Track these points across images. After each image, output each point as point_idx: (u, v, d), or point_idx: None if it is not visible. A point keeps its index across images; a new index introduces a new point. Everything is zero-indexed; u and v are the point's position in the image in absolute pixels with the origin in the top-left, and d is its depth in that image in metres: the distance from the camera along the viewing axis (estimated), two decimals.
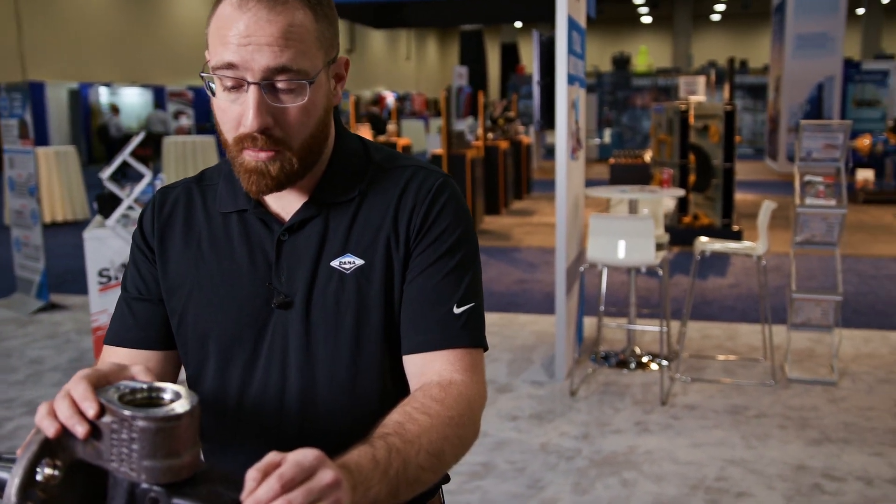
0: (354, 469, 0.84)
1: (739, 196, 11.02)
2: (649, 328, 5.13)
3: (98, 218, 4.73)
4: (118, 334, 1.20)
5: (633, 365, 4.90)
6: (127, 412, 0.76)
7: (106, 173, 4.09)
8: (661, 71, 22.53)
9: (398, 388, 1.16)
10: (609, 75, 22.08)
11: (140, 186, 4.31)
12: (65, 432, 0.78)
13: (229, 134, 1.08)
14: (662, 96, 20.47)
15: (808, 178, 4.51)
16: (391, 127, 12.87)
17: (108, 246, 4.37)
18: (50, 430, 0.79)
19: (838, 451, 3.72)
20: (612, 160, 10.30)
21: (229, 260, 1.16)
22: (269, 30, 1.01)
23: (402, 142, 12.16)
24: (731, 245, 4.80)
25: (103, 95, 22.94)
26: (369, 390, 1.14)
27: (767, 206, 4.66)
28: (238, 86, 1.04)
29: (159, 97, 24.41)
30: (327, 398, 1.13)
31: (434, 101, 34.57)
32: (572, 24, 4.41)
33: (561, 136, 4.37)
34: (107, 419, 0.77)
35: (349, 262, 1.13)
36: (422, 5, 10.84)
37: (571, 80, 4.46)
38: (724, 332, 5.62)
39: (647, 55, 22.21)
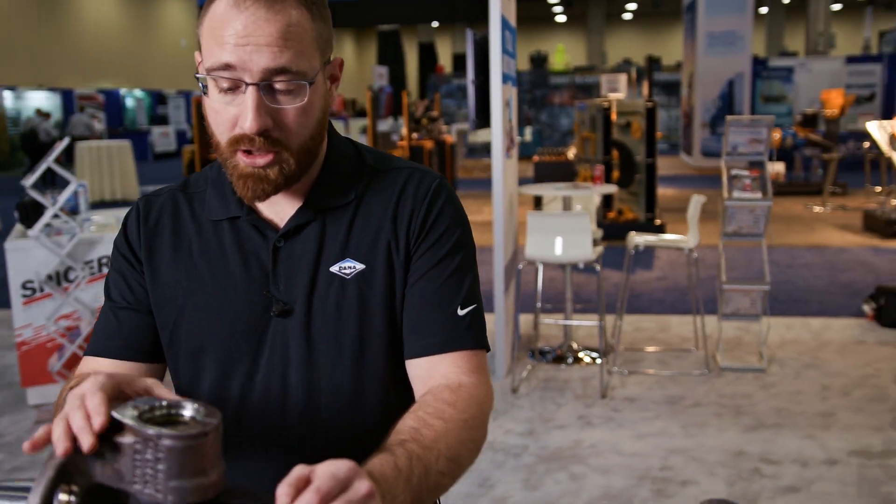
0: (380, 478, 0.82)
1: (660, 191, 11.29)
2: (586, 323, 5.21)
3: (19, 227, 4.53)
4: (101, 344, 1.14)
5: (570, 360, 4.97)
6: (151, 431, 0.72)
7: (29, 181, 3.92)
8: (579, 69, 22.90)
9: (400, 393, 1.15)
10: (527, 74, 22.34)
11: (65, 194, 4.14)
12: (82, 454, 0.75)
13: (223, 136, 1.04)
14: (580, 94, 20.81)
15: (734, 171, 4.65)
16: None
17: (32, 257, 4.20)
18: (61, 446, 0.75)
19: (773, 436, 3.85)
20: (536, 158, 10.41)
21: (223, 269, 1.12)
22: (268, 29, 0.99)
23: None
24: (663, 238, 4.92)
25: (7, 99, 22.05)
26: (373, 397, 1.13)
27: (697, 200, 4.78)
28: (235, 87, 1.01)
29: (68, 100, 23.58)
30: (330, 406, 1.11)
31: (352, 102, 34.35)
32: (505, 24, 4.44)
33: (497, 135, 4.40)
34: (129, 439, 0.74)
35: (349, 267, 1.11)
36: (339, 5, 10.77)
37: (505, 79, 4.49)
38: (656, 325, 5.75)
39: (564, 53, 22.55)
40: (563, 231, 4.39)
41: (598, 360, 4.91)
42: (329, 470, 0.74)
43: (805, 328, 5.58)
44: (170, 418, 0.77)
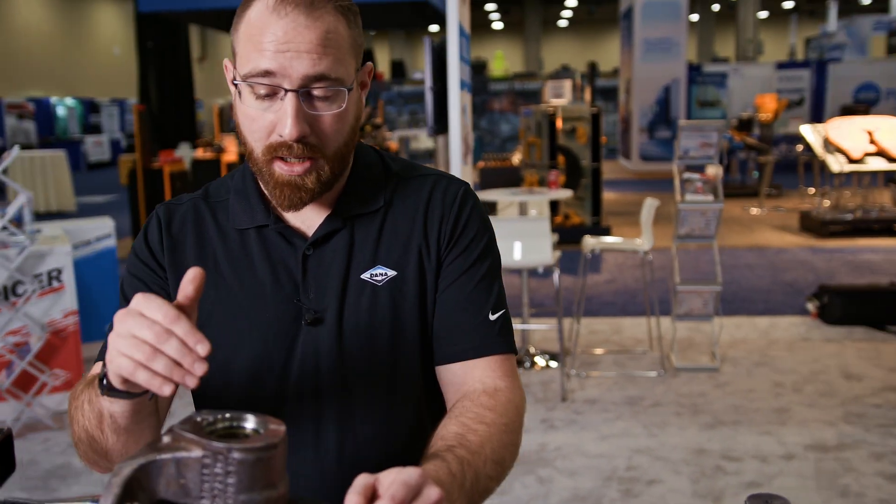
0: (439, 485, 0.83)
1: (603, 194, 11.46)
2: (543, 327, 5.25)
3: None
4: None
5: (528, 364, 5.01)
6: (221, 444, 0.71)
7: None
8: (518, 75, 23.11)
9: (431, 398, 1.15)
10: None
11: (14, 207, 4.02)
12: (146, 470, 0.73)
13: (258, 143, 1.03)
14: (520, 100, 21.00)
15: (686, 175, 4.75)
16: (207, 138, 12.57)
17: None
18: (166, 388, 0.76)
19: (732, 433, 3.94)
20: (481, 163, 10.47)
21: (251, 278, 1.11)
22: (308, 36, 0.99)
23: None
24: (619, 242, 4.99)
25: None
26: (408, 403, 1.13)
27: (650, 204, 4.87)
28: (272, 93, 1.00)
29: None
30: (364, 414, 1.10)
31: None
32: (461, 31, 4.46)
33: (455, 141, 4.42)
34: (196, 453, 0.72)
35: (381, 273, 1.11)
36: None
37: (462, 85, 4.51)
38: (609, 327, 5.83)
39: (503, 60, 22.75)
40: (522, 236, 4.42)
41: (556, 364, 4.95)
42: (400, 478, 0.74)
43: (753, 327, 5.72)
44: (231, 431, 0.76)
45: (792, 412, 4.17)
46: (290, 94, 0.99)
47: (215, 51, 32.72)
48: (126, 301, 1.14)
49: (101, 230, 5.05)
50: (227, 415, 0.77)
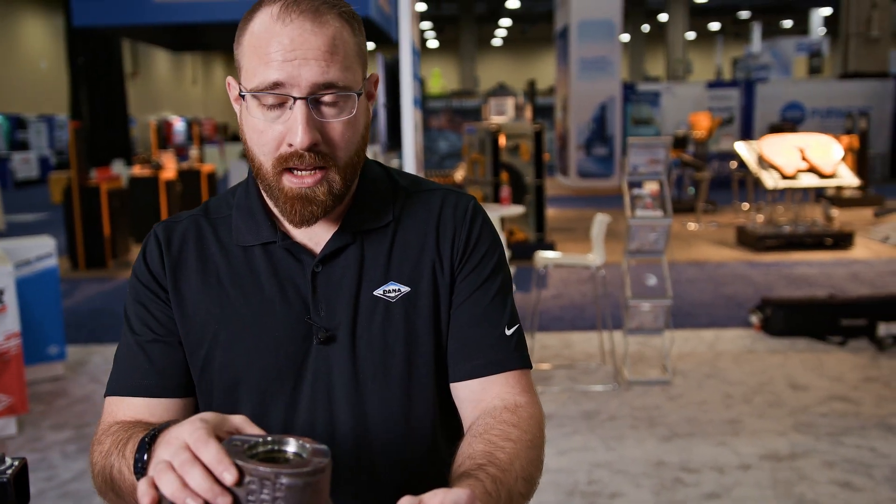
0: None
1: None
2: None
3: None
4: (130, 382, 1.07)
5: None
6: (268, 469, 0.69)
7: None
8: (455, 93, 23.27)
9: (446, 416, 1.13)
10: None
11: None
12: None
13: (267, 157, 1.01)
14: (457, 118, 21.12)
15: (635, 191, 4.83)
16: (193, 153, 12.38)
17: None
18: None
19: (688, 445, 3.99)
20: None
21: (258, 296, 1.07)
22: (315, 42, 0.97)
23: (206, 168, 11.74)
24: (571, 258, 5.04)
25: None
26: (423, 421, 1.10)
27: (602, 220, 4.93)
28: (281, 103, 0.98)
29: None
30: (380, 433, 1.08)
31: (223, 126, 33.65)
32: (412, 49, 4.47)
33: (409, 157, 4.41)
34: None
35: (394, 289, 1.08)
36: (214, 28, 10.56)
37: (414, 102, 4.51)
38: (559, 342, 5.87)
39: (440, 78, 22.87)
40: None
41: None
42: (452, 498, 0.73)
43: (699, 340, 5.83)
44: (273, 454, 0.74)
45: (744, 423, 4.25)
46: (299, 103, 0.98)
47: (147, 66, 32.15)
48: (130, 329, 1.10)
49: (41, 249, 4.88)
50: (268, 438, 0.74)
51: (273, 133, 0.99)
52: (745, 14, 34.71)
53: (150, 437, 0.86)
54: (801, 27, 32.62)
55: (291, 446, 0.74)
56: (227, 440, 0.74)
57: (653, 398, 4.65)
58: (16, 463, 0.80)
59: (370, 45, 26.97)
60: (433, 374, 1.11)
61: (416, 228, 1.12)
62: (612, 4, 17.07)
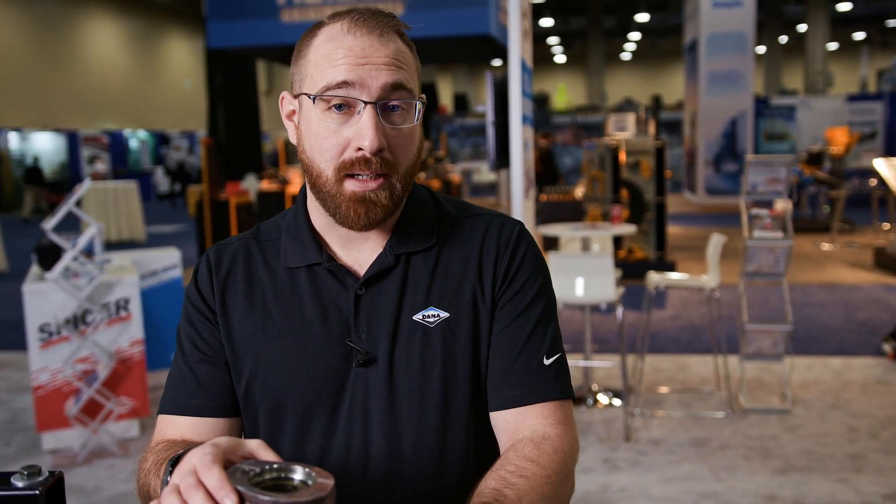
0: None
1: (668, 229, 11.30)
2: (606, 364, 5.15)
3: (35, 270, 4.51)
4: (178, 402, 1.10)
5: (590, 401, 4.90)
6: (268, 497, 0.69)
7: (50, 224, 3.90)
8: (581, 109, 23.05)
9: (482, 444, 1.11)
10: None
11: (85, 237, 4.12)
12: None
13: (329, 163, 1.03)
14: (582, 133, 20.92)
15: (754, 211, 4.63)
16: (272, 170, 12.66)
17: (50, 300, 4.16)
18: None
19: (804, 479, 3.78)
20: (543, 197, 10.41)
21: (300, 318, 1.09)
22: (384, 51, 1.02)
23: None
24: (685, 278, 4.88)
25: (12, 141, 22.15)
26: (457, 449, 1.09)
27: (717, 240, 4.76)
28: (349, 106, 1.01)
29: (73, 142, 23.71)
30: (414, 459, 1.07)
31: None
32: (523, 66, 4.46)
33: (517, 176, 4.39)
34: None
35: (433, 315, 1.08)
36: None
37: (524, 120, 4.49)
38: (674, 365, 5.69)
39: (565, 93, 22.72)
40: (585, 272, 4.35)
41: (618, 402, 4.84)
42: None
43: (825, 368, 5.52)
44: (279, 482, 0.74)
45: (868, 459, 3.98)
46: (368, 107, 1.01)
47: (282, 84, 33.44)
48: (181, 349, 1.13)
49: (167, 260, 5.14)
50: (275, 465, 0.75)
51: (337, 139, 1.02)
52: (893, 22, 32.79)
53: (175, 459, 0.88)
54: None
55: (298, 474, 0.75)
56: (235, 466, 0.75)
57: (769, 428, 4.43)
58: (51, 476, 0.83)
59: (496, 62, 27.04)
60: (469, 401, 1.09)
61: (459, 254, 1.11)
62: (744, 16, 16.52)
